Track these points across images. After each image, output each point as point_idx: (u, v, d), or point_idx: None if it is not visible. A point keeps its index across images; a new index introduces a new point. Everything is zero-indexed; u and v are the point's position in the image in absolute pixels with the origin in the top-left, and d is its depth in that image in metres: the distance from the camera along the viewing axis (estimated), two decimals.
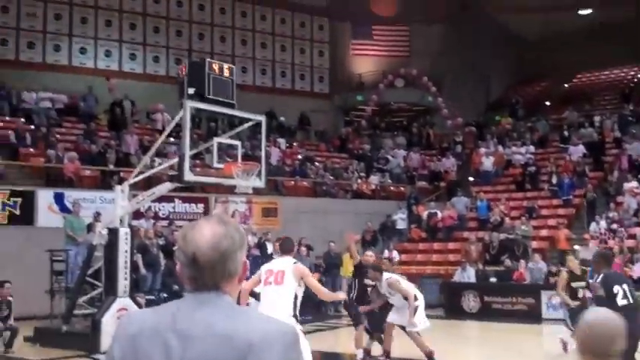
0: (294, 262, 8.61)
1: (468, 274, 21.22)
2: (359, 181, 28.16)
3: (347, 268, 19.30)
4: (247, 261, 2.33)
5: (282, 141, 29.36)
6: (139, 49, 31.44)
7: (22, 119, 24.35)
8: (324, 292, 9.18)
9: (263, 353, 2.08)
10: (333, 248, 21.75)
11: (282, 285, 8.34)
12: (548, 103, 37.17)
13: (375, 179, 28.79)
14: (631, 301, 8.64)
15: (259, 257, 18.78)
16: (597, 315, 3.11)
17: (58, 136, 23.48)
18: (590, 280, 11.01)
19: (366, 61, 37.33)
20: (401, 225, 26.27)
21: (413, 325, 11.77)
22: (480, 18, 36.13)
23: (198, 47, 32.56)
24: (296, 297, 8.37)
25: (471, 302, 20.30)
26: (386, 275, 12.13)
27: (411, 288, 12.21)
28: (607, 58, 35.48)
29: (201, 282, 2.22)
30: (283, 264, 8.54)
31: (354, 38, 37.41)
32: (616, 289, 8.73)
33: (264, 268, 8.76)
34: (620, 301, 8.54)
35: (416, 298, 11.91)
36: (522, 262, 20.72)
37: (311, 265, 20.87)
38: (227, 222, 2.29)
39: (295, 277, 8.37)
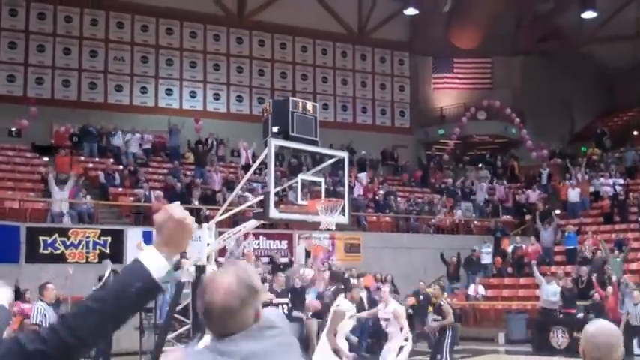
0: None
1: (554, 291, 20.59)
2: (444, 210, 27.96)
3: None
4: (259, 310, 2.47)
5: (362, 176, 29.29)
6: (222, 89, 32.10)
7: (111, 159, 25.06)
8: None
9: None
10: (422, 287, 21.36)
11: None
12: (635, 133, 36.31)
13: (459, 213, 28.50)
14: None
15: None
16: (599, 325, 3.26)
17: (146, 175, 24.06)
18: None
19: (447, 95, 37.22)
20: (486, 259, 25.83)
21: None
22: (563, 49, 35.68)
23: (280, 85, 33.06)
24: None
25: (559, 338, 19.76)
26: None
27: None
28: None
29: (215, 332, 2.44)
30: None
31: (435, 72, 37.38)
32: None
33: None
34: None
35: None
36: (610, 288, 20.00)
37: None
38: (240, 278, 2.44)
39: None
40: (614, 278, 20.22)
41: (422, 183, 32.06)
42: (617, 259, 22.16)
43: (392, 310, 11.93)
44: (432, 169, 32.92)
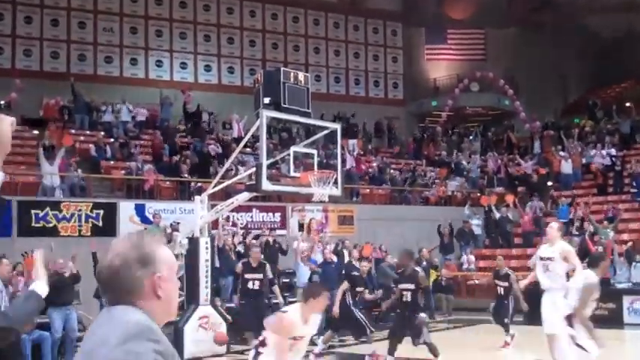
0: None
1: None
2: (436, 181, 27.95)
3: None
4: (158, 275, 2.32)
5: (352, 142, 28.96)
6: (213, 61, 31.87)
7: (102, 132, 24.88)
8: None
9: (100, 348, 2.19)
10: (425, 254, 21.22)
11: None
12: (628, 104, 36.21)
13: (453, 185, 28.44)
14: None
15: (337, 264, 18.73)
16: None
17: (137, 148, 23.90)
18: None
19: (440, 66, 37.08)
20: (478, 231, 25.89)
21: None
22: (557, 19, 35.50)
23: (272, 57, 32.81)
24: None
25: None
26: None
27: None
28: None
29: (105, 298, 2.34)
30: None
31: (428, 43, 37.19)
32: None
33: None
34: None
35: None
36: (601, 248, 20.08)
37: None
38: (129, 238, 2.37)
39: None
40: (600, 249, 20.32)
41: (415, 155, 31.95)
42: (607, 230, 22.21)
43: (560, 250, 9.98)
44: (425, 141, 32.83)
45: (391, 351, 12.24)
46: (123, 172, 22.27)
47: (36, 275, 4.55)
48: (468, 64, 36.63)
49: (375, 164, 28.23)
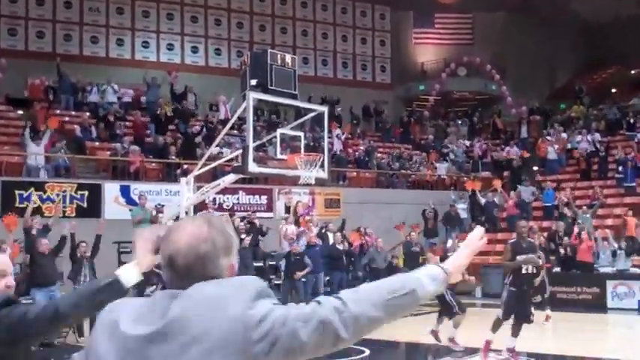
0: None
1: None
2: (424, 164, 28.00)
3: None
4: (235, 264, 2.20)
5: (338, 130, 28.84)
6: (200, 42, 31.65)
7: (87, 113, 24.72)
8: None
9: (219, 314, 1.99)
10: (414, 237, 21.20)
11: None
12: (614, 90, 36.34)
13: (442, 167, 28.50)
14: None
15: (321, 247, 18.74)
16: None
17: (123, 129, 23.78)
18: None
19: (428, 50, 37.02)
20: (464, 215, 25.97)
21: None
22: (544, 5, 35.48)
23: (259, 39, 32.61)
24: None
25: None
26: None
27: None
28: None
29: (178, 286, 2.11)
30: None
31: (416, 27, 37.08)
32: None
33: None
34: None
35: None
36: (585, 234, 20.23)
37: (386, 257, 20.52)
38: (212, 224, 2.18)
39: None
40: (583, 233, 20.46)
41: (402, 139, 31.96)
42: (587, 215, 22.34)
43: None
44: (412, 125, 32.84)
45: (516, 333, 11.76)
46: (108, 153, 22.17)
47: (135, 256, 3.06)
48: (456, 49, 36.60)
49: (362, 147, 28.21)
